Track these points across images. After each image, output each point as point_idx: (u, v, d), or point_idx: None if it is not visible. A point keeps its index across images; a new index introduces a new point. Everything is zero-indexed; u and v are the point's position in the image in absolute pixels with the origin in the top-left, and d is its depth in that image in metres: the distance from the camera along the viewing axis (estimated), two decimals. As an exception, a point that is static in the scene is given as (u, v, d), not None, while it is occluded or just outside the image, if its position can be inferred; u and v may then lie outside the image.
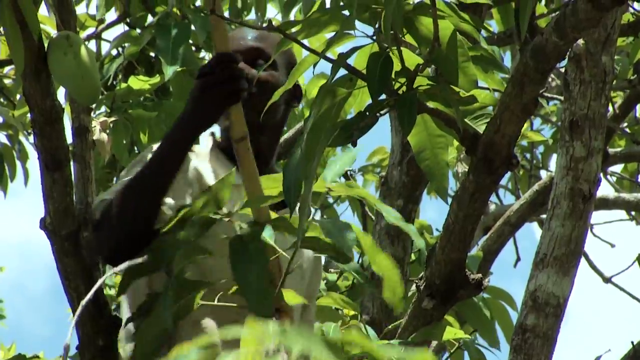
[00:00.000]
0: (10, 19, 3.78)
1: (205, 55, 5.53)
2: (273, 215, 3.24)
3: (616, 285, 6.38)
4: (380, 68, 3.23)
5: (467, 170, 3.40)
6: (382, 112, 3.25)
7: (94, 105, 4.33)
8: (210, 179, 4.13)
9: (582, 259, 4.59)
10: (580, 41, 4.47)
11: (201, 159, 4.15)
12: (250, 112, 3.68)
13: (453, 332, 3.25)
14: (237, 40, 4.10)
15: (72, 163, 4.01)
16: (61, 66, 3.82)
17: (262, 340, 2.15)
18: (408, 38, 3.42)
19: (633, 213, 6.56)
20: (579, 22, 3.15)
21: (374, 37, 3.30)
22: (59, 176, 3.93)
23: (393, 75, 3.25)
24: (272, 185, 3.27)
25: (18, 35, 3.82)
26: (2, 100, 5.41)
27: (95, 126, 4.57)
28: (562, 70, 4.80)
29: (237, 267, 3.06)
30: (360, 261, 5.77)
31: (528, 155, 7.07)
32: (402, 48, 3.31)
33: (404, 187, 5.25)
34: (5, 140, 5.39)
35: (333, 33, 3.38)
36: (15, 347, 5.15)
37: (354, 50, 3.35)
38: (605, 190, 6.45)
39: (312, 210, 3.51)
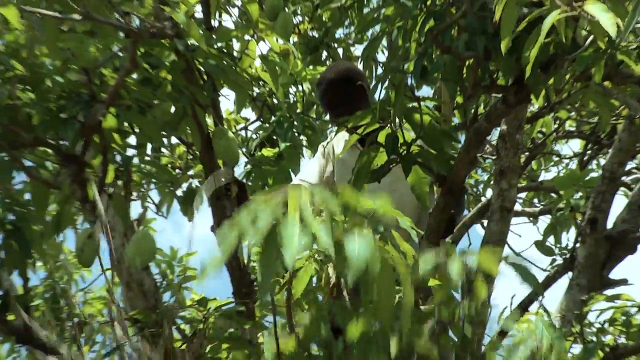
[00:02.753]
0: (193, 123, 3.79)
1: (303, 139, 5.49)
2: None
3: (523, 258, 6.32)
4: (392, 141, 3.19)
5: (438, 194, 3.36)
6: (392, 165, 3.22)
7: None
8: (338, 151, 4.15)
9: (505, 243, 4.53)
10: (505, 127, 4.40)
11: (339, 139, 4.13)
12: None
13: (434, 282, 3.18)
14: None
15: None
16: (218, 146, 3.84)
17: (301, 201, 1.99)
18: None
19: (531, 218, 6.48)
20: (498, 114, 3.11)
21: (389, 124, 3.26)
22: (217, 202, 3.91)
23: (399, 145, 3.22)
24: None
25: (197, 131, 3.82)
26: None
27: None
28: (495, 143, 4.74)
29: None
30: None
31: (474, 189, 6.97)
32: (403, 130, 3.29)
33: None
34: (197, 183, 5.35)
35: (366, 123, 3.36)
36: (203, 294, 5.10)
37: (378, 131, 3.31)
38: (516, 206, 6.38)
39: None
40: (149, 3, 3.31)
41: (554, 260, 5.05)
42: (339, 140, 4.21)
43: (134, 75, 3.64)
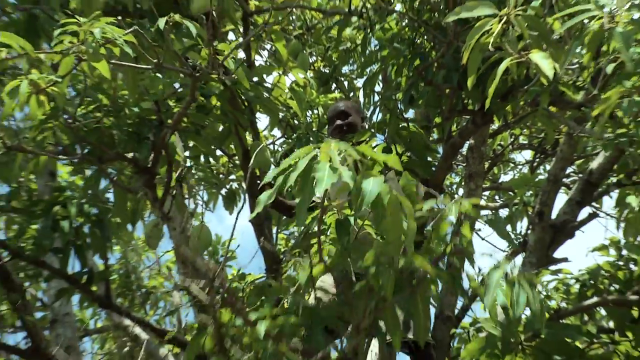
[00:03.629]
0: (236, 139, 3.78)
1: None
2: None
3: (487, 242, 6.31)
4: (387, 152, 3.21)
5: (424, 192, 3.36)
6: (387, 171, 3.22)
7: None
8: None
9: (473, 231, 4.51)
10: (472, 141, 4.40)
11: None
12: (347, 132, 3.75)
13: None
14: (336, 107, 4.01)
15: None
16: (254, 155, 3.82)
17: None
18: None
19: (493, 211, 6.44)
20: (469, 132, 3.13)
21: (385, 140, 3.28)
22: (254, 200, 3.92)
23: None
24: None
25: (239, 144, 3.83)
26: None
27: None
28: (465, 153, 4.73)
29: (338, 230, 2.84)
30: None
31: (449, 189, 6.94)
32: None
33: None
34: (236, 186, 5.34)
35: (368, 138, 3.37)
36: (242, 270, 5.13)
37: (377, 146, 3.32)
38: (481, 202, 6.36)
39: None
40: (205, 52, 3.35)
41: (511, 244, 5.08)
42: None
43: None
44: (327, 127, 5.82)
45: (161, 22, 3.07)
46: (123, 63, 3.05)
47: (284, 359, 2.54)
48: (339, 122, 3.93)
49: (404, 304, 2.45)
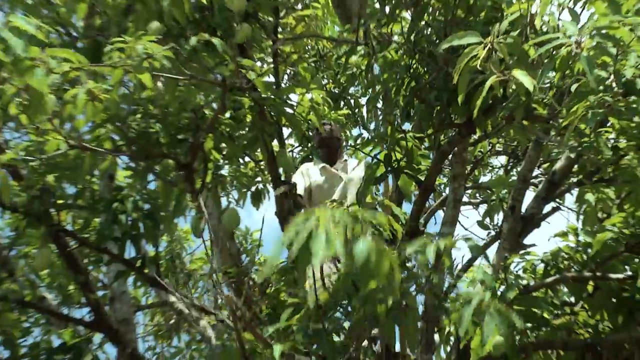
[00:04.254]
0: (262, 145, 3.78)
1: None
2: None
3: (471, 232, 6.32)
4: (388, 159, 3.23)
5: (418, 192, 3.37)
6: (388, 174, 3.23)
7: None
8: (313, 173, 4.20)
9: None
10: (456, 148, 4.40)
11: (307, 166, 4.17)
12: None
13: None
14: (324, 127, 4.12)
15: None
16: (279, 161, 3.80)
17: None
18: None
19: (474, 206, 6.45)
20: (455, 141, 3.15)
21: (385, 147, 3.30)
22: (279, 196, 3.91)
23: (392, 161, 3.24)
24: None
25: (264, 149, 3.82)
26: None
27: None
28: (450, 158, 4.72)
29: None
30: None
31: (438, 188, 6.91)
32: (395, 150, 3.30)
33: (397, 199, 5.14)
34: (261, 186, 5.30)
35: (371, 147, 3.37)
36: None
37: (380, 152, 3.34)
38: (464, 198, 6.34)
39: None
40: (231, 66, 3.36)
41: (489, 233, 5.09)
42: (307, 166, 4.30)
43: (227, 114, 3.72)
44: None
45: (193, 40, 3.11)
46: (164, 74, 3.09)
47: None
48: (324, 135, 4.04)
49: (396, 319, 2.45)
